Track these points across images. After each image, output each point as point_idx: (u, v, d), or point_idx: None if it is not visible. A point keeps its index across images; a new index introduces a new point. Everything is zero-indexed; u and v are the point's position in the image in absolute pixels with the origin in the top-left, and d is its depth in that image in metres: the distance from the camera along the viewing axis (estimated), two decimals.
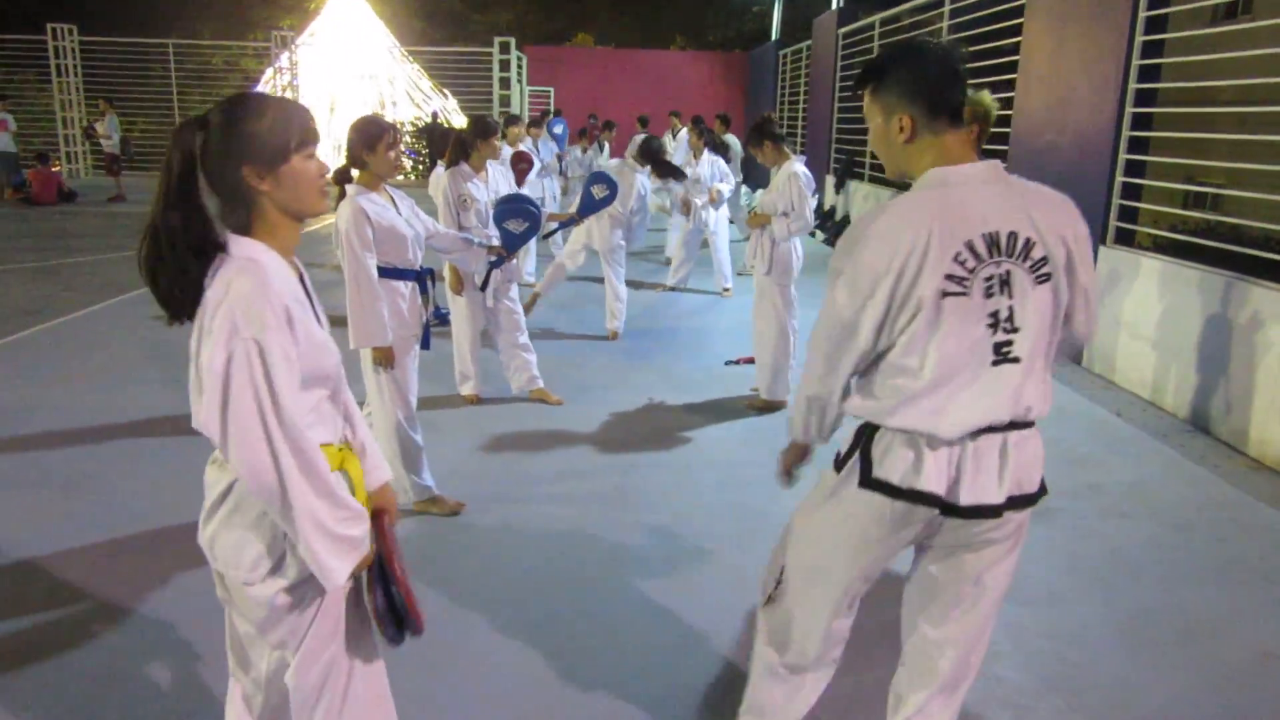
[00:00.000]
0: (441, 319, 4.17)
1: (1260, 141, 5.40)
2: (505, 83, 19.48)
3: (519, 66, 20.50)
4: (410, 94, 22.08)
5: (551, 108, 20.96)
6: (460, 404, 5.39)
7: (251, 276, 1.61)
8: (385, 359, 3.65)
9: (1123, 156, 6.17)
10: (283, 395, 1.60)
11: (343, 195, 3.69)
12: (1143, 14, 5.92)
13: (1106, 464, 4.69)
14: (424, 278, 3.81)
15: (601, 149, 13.09)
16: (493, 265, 4.80)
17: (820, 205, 14.04)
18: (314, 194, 1.74)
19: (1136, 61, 6.03)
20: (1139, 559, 3.66)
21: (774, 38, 20.49)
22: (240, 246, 1.67)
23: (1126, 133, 6.13)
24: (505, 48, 19.46)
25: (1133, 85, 6.05)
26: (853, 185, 12.83)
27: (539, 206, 4.61)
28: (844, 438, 2.06)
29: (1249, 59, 5.49)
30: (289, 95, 19.71)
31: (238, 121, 1.65)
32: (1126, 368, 5.98)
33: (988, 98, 3.38)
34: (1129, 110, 6.09)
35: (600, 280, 9.49)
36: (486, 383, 5.53)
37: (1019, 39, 7.72)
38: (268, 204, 1.69)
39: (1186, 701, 2.74)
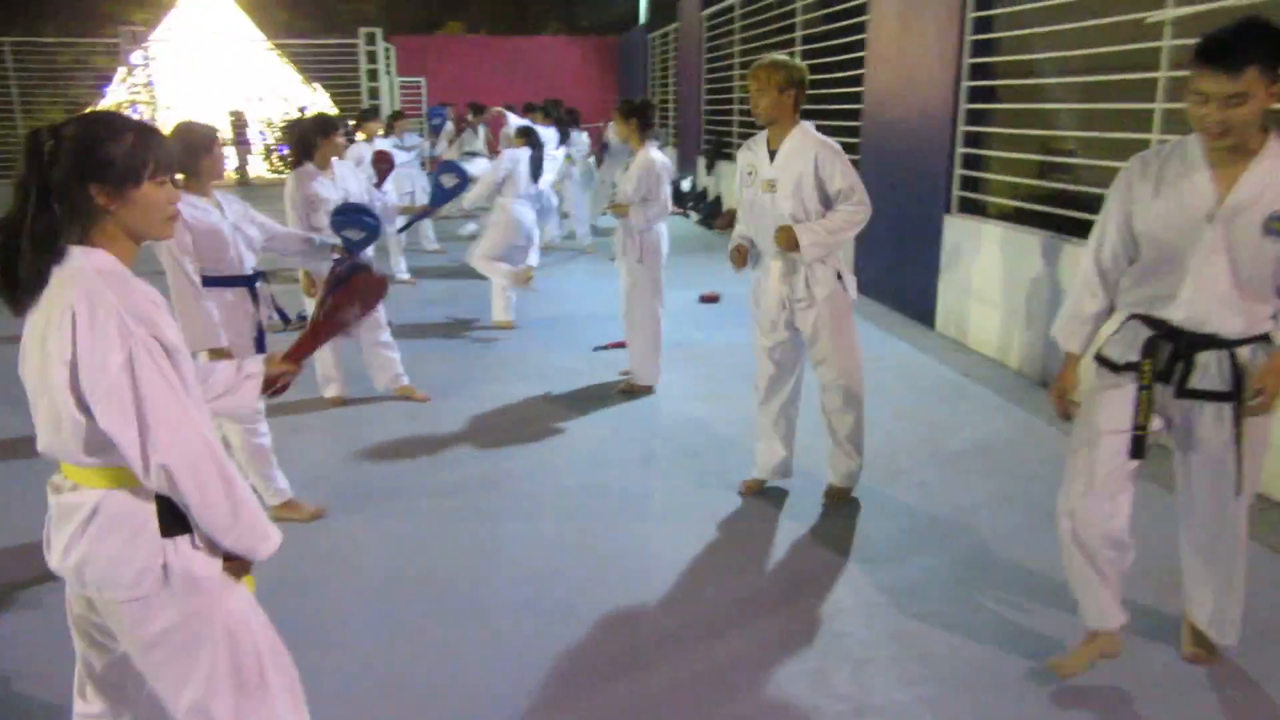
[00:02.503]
0: (284, 320, 4.10)
1: (1099, 109, 5.66)
2: (374, 75, 19.04)
3: (387, 57, 20.04)
4: (277, 89, 21.37)
5: (425, 99, 20.64)
6: (325, 407, 5.30)
7: (120, 283, 1.65)
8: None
9: (961, 129, 6.45)
10: (192, 388, 1.68)
11: None
12: None
13: (954, 423, 4.93)
14: (253, 282, 3.73)
15: (477, 133, 12.90)
16: (336, 264, 4.73)
17: (694, 186, 14.23)
18: (161, 220, 1.76)
19: (969, 38, 6.31)
20: (980, 512, 3.88)
21: (642, 21, 20.57)
22: (91, 257, 1.67)
23: (964, 105, 6.41)
24: (371, 38, 18.99)
25: (967, 60, 6.33)
26: (722, 166, 13.03)
27: (374, 215, 4.56)
28: None
29: (1077, 31, 5.71)
30: (143, 94, 18.94)
31: (93, 140, 1.66)
32: (976, 330, 6.29)
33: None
34: (964, 84, 6.37)
35: (463, 273, 9.43)
36: (352, 383, 5.45)
37: (867, 18, 7.97)
38: (111, 223, 1.70)
39: (1021, 646, 2.93)
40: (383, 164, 6.65)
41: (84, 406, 1.62)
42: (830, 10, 9.07)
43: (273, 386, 2.14)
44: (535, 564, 3.50)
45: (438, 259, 10.23)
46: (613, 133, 8.69)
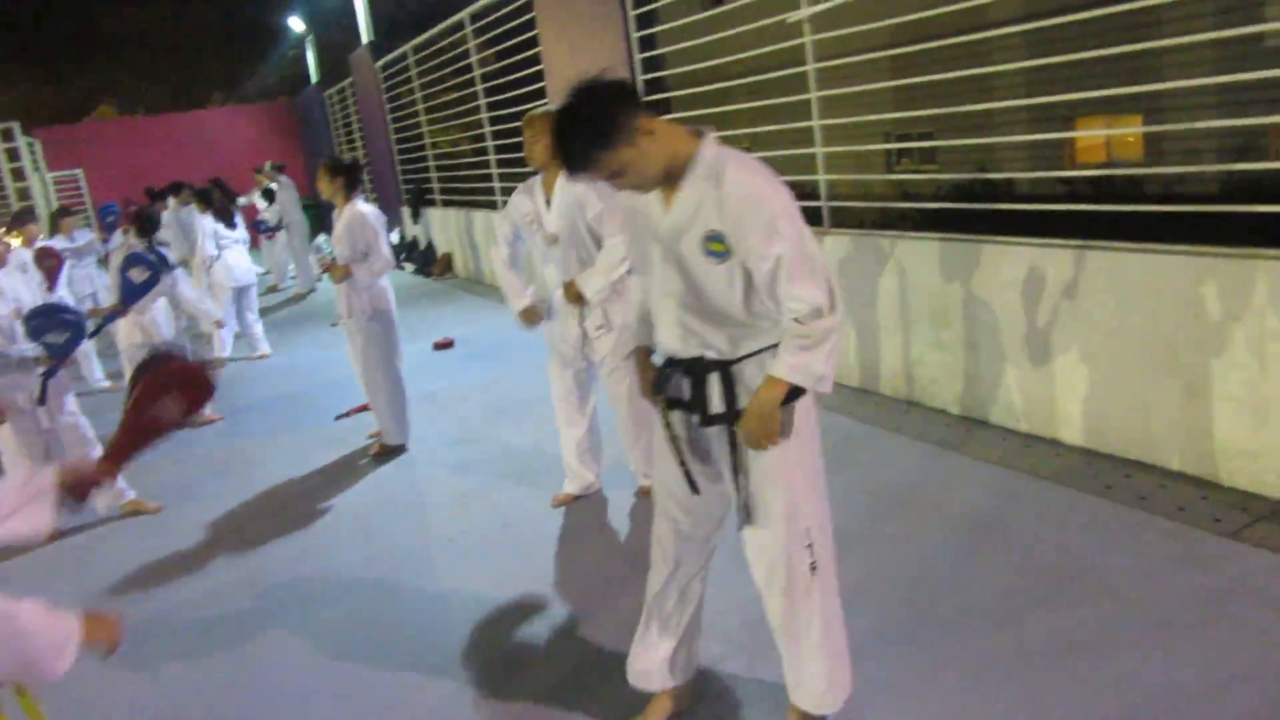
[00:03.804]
0: None
1: (766, 106, 6.09)
2: (19, 173, 17.15)
3: (32, 153, 18.13)
4: None
5: (86, 191, 18.89)
6: (40, 545, 4.70)
7: None
8: None
9: None
10: None
11: None
12: (631, 13, 6.57)
13: None
14: None
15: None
16: (45, 376, 4.27)
17: (402, 237, 14.00)
18: None
19: (638, 56, 6.68)
20: None
21: (314, 80, 20.00)
22: None
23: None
24: (9, 134, 17.11)
25: (640, 77, 6.70)
26: (428, 212, 12.93)
27: (76, 310, 4.17)
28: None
29: (748, 34, 6.13)
30: None
31: None
32: None
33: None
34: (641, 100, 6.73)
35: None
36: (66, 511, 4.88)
37: (539, 50, 8.22)
38: None
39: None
40: (48, 260, 6.04)
41: None
42: (505, 45, 9.25)
43: (75, 493, 1.88)
44: (307, 659, 3.28)
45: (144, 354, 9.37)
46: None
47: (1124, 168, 11.03)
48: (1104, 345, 3.83)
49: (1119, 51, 3.98)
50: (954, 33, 4.63)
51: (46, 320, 4.03)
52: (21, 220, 7.12)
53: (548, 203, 3.80)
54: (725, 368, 2.21)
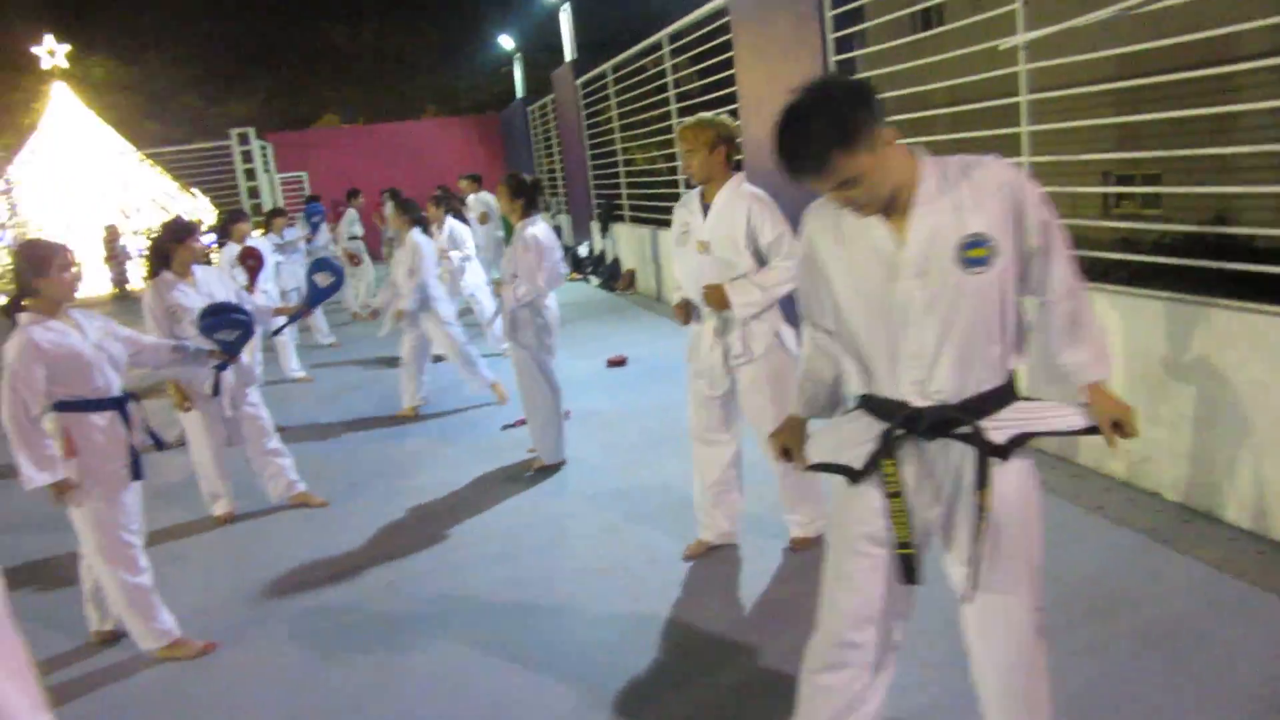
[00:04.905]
0: (158, 444, 3.80)
1: (968, 138, 5.73)
2: (251, 174, 18.67)
3: (264, 156, 19.70)
4: (154, 199, 20.74)
5: (307, 192, 20.29)
6: (213, 526, 4.94)
7: None
8: (63, 494, 3.28)
9: None
10: None
11: (14, 326, 3.31)
12: (830, 36, 6.29)
13: None
14: (123, 404, 3.44)
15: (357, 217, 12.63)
16: (219, 369, 4.45)
17: (590, 251, 14.19)
18: None
19: None
20: None
21: (520, 95, 20.72)
22: None
23: None
24: (245, 139, 18.68)
25: None
26: (616, 227, 13.03)
27: (245, 310, 4.32)
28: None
29: (954, 61, 5.80)
30: (11, 220, 18.15)
31: None
32: None
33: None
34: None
35: (362, 363, 9.14)
36: (244, 496, 5.10)
37: (734, 71, 8.07)
38: None
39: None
40: (250, 260, 6.36)
41: None
42: (701, 66, 9.17)
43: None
44: (447, 674, 3.23)
45: (333, 353, 9.88)
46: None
47: None
48: None
49: None
50: (1194, 65, 4.11)
51: (219, 319, 4.18)
52: (235, 220, 7.57)
53: (705, 211, 3.60)
54: (979, 411, 1.94)
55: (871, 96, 1.85)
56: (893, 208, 1.91)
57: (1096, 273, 8.31)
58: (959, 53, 5.23)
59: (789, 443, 2.23)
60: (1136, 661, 2.87)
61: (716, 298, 3.52)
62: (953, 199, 1.88)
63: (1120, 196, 14.31)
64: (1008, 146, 4.87)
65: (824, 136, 1.78)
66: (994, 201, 1.87)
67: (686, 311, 3.78)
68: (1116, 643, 2.98)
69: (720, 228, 3.55)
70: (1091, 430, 2.00)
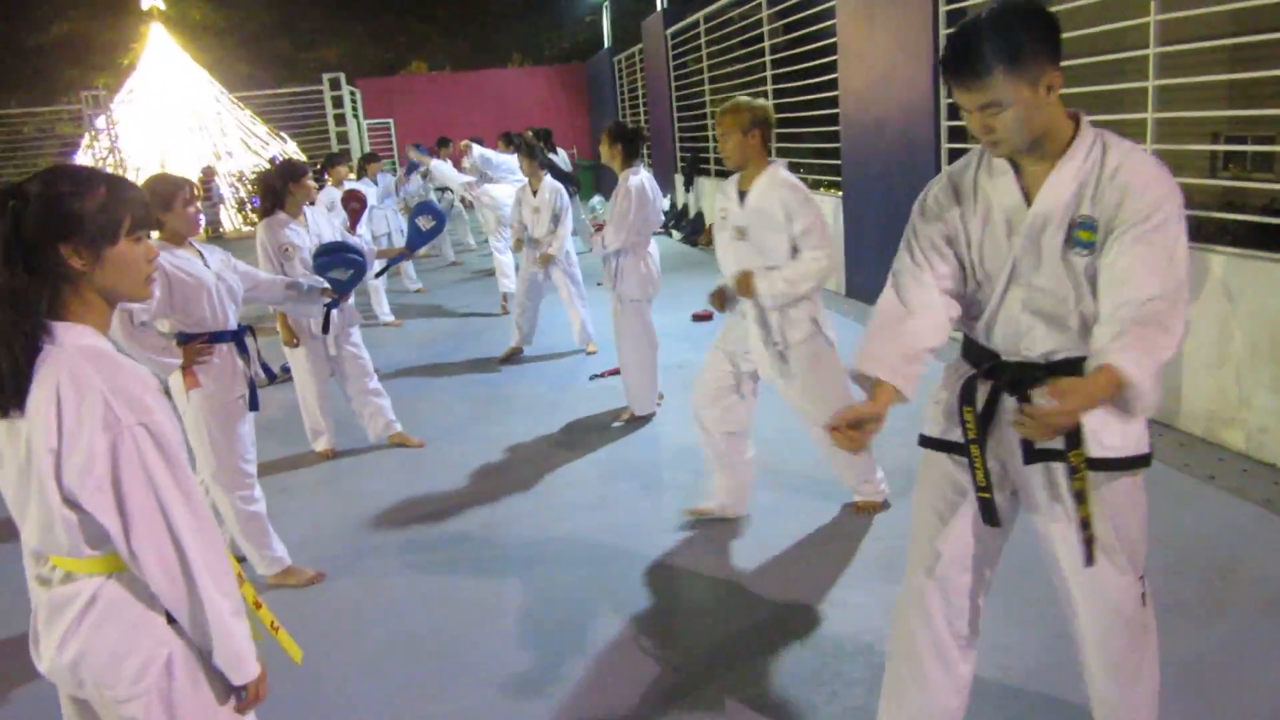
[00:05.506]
0: (270, 376, 3.92)
1: (1092, 93, 5.52)
2: (341, 119, 18.93)
3: (353, 102, 19.95)
4: (246, 141, 21.24)
5: (394, 139, 20.53)
6: (316, 461, 5.10)
7: (107, 364, 1.49)
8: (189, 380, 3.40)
9: (944, 124, 6.33)
10: (183, 473, 1.53)
11: None
12: None
13: None
14: (241, 336, 3.55)
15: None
16: (329, 307, 4.56)
17: (673, 204, 14.11)
18: (139, 280, 1.61)
19: (943, 31, 6.20)
20: None
21: (607, 45, 20.55)
22: (71, 333, 1.51)
23: (945, 100, 6.30)
24: (336, 84, 18.91)
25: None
26: (700, 181, 12.93)
27: (360, 251, 4.39)
28: None
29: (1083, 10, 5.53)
30: (111, 158, 18.77)
31: (60, 197, 1.50)
32: None
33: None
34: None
35: (447, 312, 9.26)
36: (343, 434, 5.26)
37: (834, 22, 7.87)
38: (86, 287, 1.54)
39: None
40: (354, 203, 6.47)
41: (70, 497, 1.49)
42: (799, 17, 8.98)
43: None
44: (543, 615, 3.30)
45: (421, 299, 10.05)
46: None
47: None
48: None
49: None
50: None
51: (334, 257, 4.26)
52: (334, 162, 7.71)
53: (741, 197, 3.57)
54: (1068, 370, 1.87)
55: (1056, 35, 1.80)
56: (1030, 161, 1.88)
57: (1205, 234, 8.02)
58: (1083, 1, 5.01)
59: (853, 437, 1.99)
60: (1253, 631, 2.80)
61: (745, 285, 3.51)
62: (1095, 176, 1.83)
63: (1228, 158, 13.66)
64: (1127, 102, 4.70)
65: (997, 48, 1.75)
66: (1129, 205, 1.78)
67: (722, 298, 3.76)
68: (1232, 612, 2.91)
69: (756, 215, 3.52)
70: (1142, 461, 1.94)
